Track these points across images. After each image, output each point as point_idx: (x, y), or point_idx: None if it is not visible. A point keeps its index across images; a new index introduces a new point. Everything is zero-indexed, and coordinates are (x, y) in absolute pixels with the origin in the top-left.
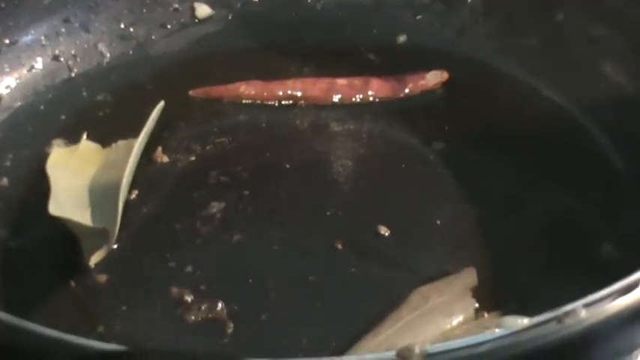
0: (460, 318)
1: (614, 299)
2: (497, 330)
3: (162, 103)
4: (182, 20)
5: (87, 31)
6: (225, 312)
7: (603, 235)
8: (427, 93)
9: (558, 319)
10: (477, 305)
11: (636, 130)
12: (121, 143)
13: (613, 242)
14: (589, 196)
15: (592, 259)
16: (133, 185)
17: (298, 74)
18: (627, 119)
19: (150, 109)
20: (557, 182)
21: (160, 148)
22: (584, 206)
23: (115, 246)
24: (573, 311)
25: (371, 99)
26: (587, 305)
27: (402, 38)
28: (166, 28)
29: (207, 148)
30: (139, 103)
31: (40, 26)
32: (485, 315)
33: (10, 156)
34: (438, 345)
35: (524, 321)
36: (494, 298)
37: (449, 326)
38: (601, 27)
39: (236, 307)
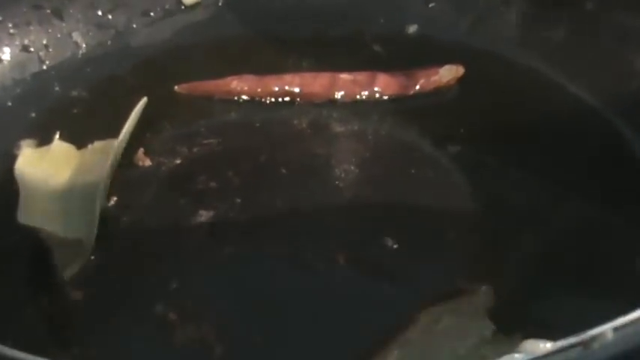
0: (475, 341)
1: None
2: (516, 355)
3: (144, 100)
4: (167, 7)
5: (60, 18)
6: (213, 333)
7: (637, 250)
8: (440, 90)
9: (584, 344)
10: (494, 327)
11: None
12: (97, 144)
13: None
14: (620, 206)
15: (624, 276)
16: (111, 191)
17: (296, 68)
18: None
19: (131, 106)
20: (584, 190)
21: (141, 150)
22: (615, 217)
23: (92, 258)
24: (601, 335)
25: (377, 96)
26: (616, 329)
27: (412, 28)
28: (149, 15)
29: (195, 149)
30: (118, 99)
31: (7, 13)
32: (504, 338)
33: None
34: None
35: (547, 345)
36: (513, 320)
37: (463, 350)
38: (634, 18)
39: (226, 328)
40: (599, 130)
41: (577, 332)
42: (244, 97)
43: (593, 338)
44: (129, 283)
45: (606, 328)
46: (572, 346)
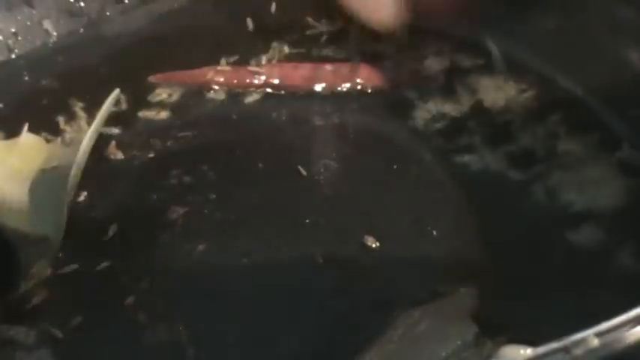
0: (457, 344)
1: (631, 327)
2: None
3: (117, 91)
4: None
5: (30, 5)
6: (185, 335)
7: (621, 248)
8: (425, 82)
9: (566, 350)
10: (477, 330)
11: None
12: (67, 136)
13: (633, 255)
14: (604, 203)
15: (613, 276)
16: (81, 186)
17: (275, 58)
18: None
19: (103, 97)
20: (570, 187)
21: (113, 143)
22: (600, 213)
23: (59, 256)
24: (583, 341)
25: (359, 88)
26: (599, 334)
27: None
28: (123, 2)
29: (168, 143)
30: (90, 89)
31: None
32: (488, 342)
33: None
34: None
35: (527, 352)
36: (498, 323)
37: (444, 353)
38: (628, 9)
39: (198, 330)
40: (588, 122)
41: (561, 336)
42: (221, 88)
43: (575, 343)
44: (96, 282)
45: (589, 333)
46: (553, 351)
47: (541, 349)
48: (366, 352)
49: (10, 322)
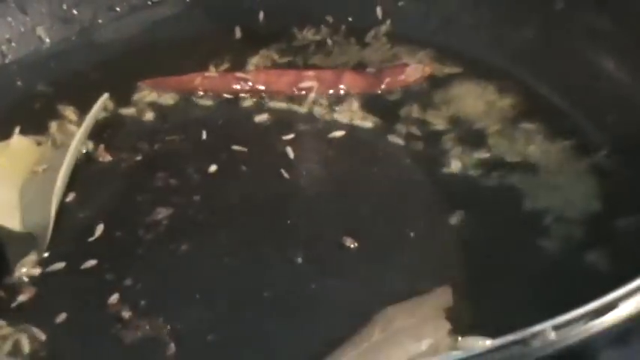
0: (431, 341)
1: (587, 321)
2: (454, 352)
3: (106, 95)
4: (133, 2)
5: (24, 12)
6: (166, 331)
7: (591, 252)
8: (407, 88)
9: (524, 342)
10: (450, 327)
11: (635, 133)
12: (57, 139)
13: (600, 252)
14: (577, 208)
15: (582, 278)
16: (70, 186)
17: (264, 65)
18: (628, 120)
19: (93, 101)
20: (543, 192)
21: (102, 146)
22: (572, 218)
23: (46, 255)
24: (541, 333)
25: (343, 94)
26: (557, 327)
27: (382, 27)
28: (115, 10)
29: (156, 146)
30: (81, 94)
31: None
32: (459, 339)
33: None
34: None
35: (486, 343)
36: (472, 320)
37: (418, 350)
38: (604, 19)
39: (179, 326)
40: (565, 129)
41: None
42: (208, 94)
43: (534, 336)
44: (82, 279)
45: (546, 326)
46: (511, 343)
47: (499, 341)
48: (341, 350)
49: None
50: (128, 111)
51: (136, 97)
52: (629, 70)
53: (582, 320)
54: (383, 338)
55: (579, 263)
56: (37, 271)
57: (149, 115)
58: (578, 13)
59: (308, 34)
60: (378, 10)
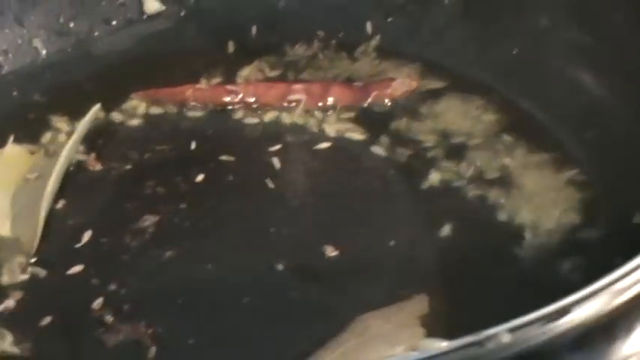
0: (405, 348)
1: (543, 324)
2: (412, 353)
3: (97, 106)
4: (129, 16)
5: (21, 24)
6: (148, 334)
7: (565, 262)
8: (394, 102)
9: (480, 344)
10: (425, 334)
11: (616, 148)
12: (49, 147)
13: (574, 262)
14: (555, 220)
15: (556, 289)
16: (60, 194)
17: (253, 78)
18: (605, 135)
19: (87, 112)
20: (522, 204)
21: (93, 155)
22: (550, 229)
23: (34, 259)
24: (496, 335)
25: (330, 106)
26: (512, 330)
27: (371, 42)
28: (111, 24)
29: (146, 156)
30: (75, 105)
31: None
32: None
33: None
34: None
35: (442, 344)
36: (446, 328)
37: (392, 355)
38: (586, 36)
39: (161, 330)
40: (546, 143)
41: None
42: (199, 105)
43: (489, 338)
44: (68, 284)
45: (502, 329)
46: (467, 345)
47: (455, 342)
48: (317, 354)
49: None
50: (120, 121)
51: (128, 107)
52: (608, 87)
53: (538, 323)
54: (359, 343)
55: (554, 273)
56: (24, 275)
57: (140, 126)
58: (560, 29)
59: (299, 50)
60: (368, 26)
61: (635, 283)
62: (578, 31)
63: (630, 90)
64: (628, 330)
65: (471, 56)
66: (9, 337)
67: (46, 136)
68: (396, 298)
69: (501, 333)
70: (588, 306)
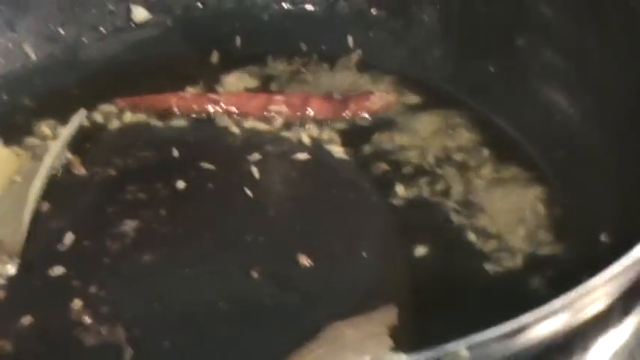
0: (372, 357)
1: (501, 340)
2: None
3: (83, 111)
4: (117, 23)
5: (12, 29)
6: (124, 336)
7: (536, 276)
8: (372, 115)
9: (438, 359)
10: (392, 345)
11: (585, 168)
12: (35, 151)
13: (542, 279)
14: (522, 232)
15: (525, 301)
16: (45, 197)
17: (238, 88)
18: (578, 156)
19: (73, 116)
20: (492, 218)
21: (77, 159)
22: (517, 242)
23: (17, 260)
24: (455, 352)
25: (310, 117)
26: (470, 347)
27: (353, 55)
28: (99, 31)
29: (129, 161)
30: (62, 109)
31: None
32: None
33: None
34: None
35: (402, 358)
36: (413, 340)
37: None
38: (558, 57)
39: (138, 332)
40: (518, 161)
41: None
42: (182, 113)
43: (447, 354)
44: (49, 285)
45: (460, 345)
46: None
47: (414, 357)
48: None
49: None
50: (104, 127)
51: (113, 113)
52: (581, 109)
53: (496, 340)
54: (327, 351)
55: (523, 289)
56: (7, 275)
57: (124, 132)
58: (536, 50)
59: (281, 62)
60: (350, 39)
61: (592, 302)
62: (552, 53)
63: (602, 112)
64: (585, 348)
65: (449, 72)
66: None
67: (33, 140)
68: (365, 308)
69: (460, 349)
70: (547, 324)
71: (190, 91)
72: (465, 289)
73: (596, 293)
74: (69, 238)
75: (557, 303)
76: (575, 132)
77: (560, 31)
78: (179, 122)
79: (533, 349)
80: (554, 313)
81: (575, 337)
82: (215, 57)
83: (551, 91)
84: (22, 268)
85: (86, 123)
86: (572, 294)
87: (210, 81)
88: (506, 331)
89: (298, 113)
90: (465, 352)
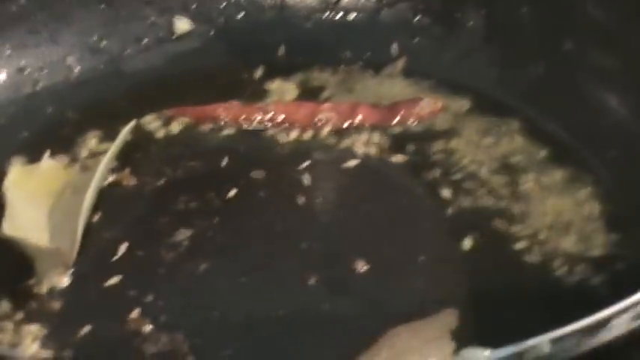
0: None
1: (585, 335)
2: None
3: (133, 123)
4: (159, 35)
5: (56, 42)
6: (186, 345)
7: (595, 270)
8: (420, 121)
9: (520, 355)
10: (455, 348)
11: (635, 168)
12: (85, 163)
13: (603, 277)
14: (580, 235)
15: (588, 300)
16: (96, 207)
17: (281, 97)
18: (629, 155)
19: (120, 128)
20: (547, 219)
21: (127, 170)
22: (576, 244)
23: (72, 270)
24: (537, 346)
25: (358, 125)
26: (553, 341)
27: (398, 62)
28: (142, 42)
29: (179, 171)
30: (108, 121)
31: (4, 35)
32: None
33: None
34: None
35: (485, 354)
36: (476, 342)
37: None
38: (609, 58)
39: (198, 341)
40: (571, 164)
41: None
42: (230, 123)
43: (530, 349)
44: (106, 295)
45: (543, 339)
46: (509, 356)
47: (497, 352)
48: None
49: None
50: (152, 137)
51: (159, 124)
52: (630, 107)
53: (577, 335)
54: (388, 357)
55: (584, 288)
56: (63, 285)
57: (172, 142)
58: (584, 51)
59: (326, 70)
60: (394, 47)
61: None
62: (601, 54)
63: None
64: None
65: (496, 77)
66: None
67: (81, 152)
68: (425, 312)
69: (543, 343)
70: (627, 317)
71: (237, 100)
72: (526, 288)
73: None
74: (123, 248)
75: (638, 296)
76: (625, 131)
77: (607, 31)
78: (227, 132)
79: (612, 345)
80: (635, 305)
81: None
82: (259, 67)
83: (599, 91)
84: (77, 279)
85: (133, 134)
86: None
87: (255, 91)
88: (588, 324)
89: (347, 121)
90: (547, 347)
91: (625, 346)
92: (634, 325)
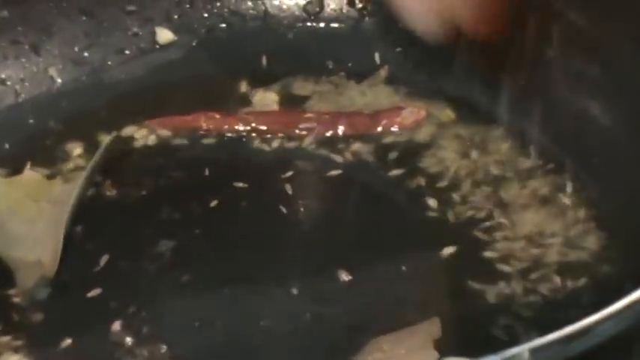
0: None
1: (566, 344)
2: None
3: (114, 134)
4: (142, 45)
5: (37, 54)
6: (168, 357)
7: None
8: (403, 131)
9: None
10: (438, 357)
11: (618, 176)
12: (67, 174)
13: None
14: (575, 243)
15: (574, 306)
16: (77, 219)
17: (264, 107)
18: (613, 163)
19: (102, 138)
20: (534, 228)
21: (109, 181)
22: (560, 252)
23: (54, 282)
24: (518, 355)
25: (341, 134)
26: (534, 350)
27: (381, 72)
28: (124, 53)
29: (161, 182)
30: (90, 132)
31: None
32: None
33: None
34: None
35: None
36: (457, 351)
37: None
38: (591, 65)
39: (180, 352)
40: (555, 170)
41: None
42: (212, 133)
43: (510, 358)
44: (87, 306)
45: (523, 349)
46: None
47: None
48: None
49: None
50: (134, 148)
51: (141, 135)
52: (613, 115)
53: (559, 343)
54: None
55: (568, 294)
56: (44, 297)
57: (154, 152)
58: (568, 60)
59: (308, 84)
60: (377, 56)
61: None
62: (583, 62)
63: (633, 117)
64: None
65: (479, 87)
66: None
67: (62, 163)
68: (408, 322)
69: (523, 353)
70: (609, 326)
71: (219, 110)
72: (503, 301)
73: None
74: (104, 259)
75: (619, 304)
76: (609, 139)
77: (589, 39)
78: (209, 142)
79: (594, 353)
80: (617, 314)
81: (637, 339)
82: (242, 77)
83: (582, 99)
84: (58, 291)
85: (115, 145)
86: (637, 294)
87: (237, 100)
88: (570, 332)
89: (330, 130)
90: (527, 356)
91: (610, 351)
92: (617, 331)
